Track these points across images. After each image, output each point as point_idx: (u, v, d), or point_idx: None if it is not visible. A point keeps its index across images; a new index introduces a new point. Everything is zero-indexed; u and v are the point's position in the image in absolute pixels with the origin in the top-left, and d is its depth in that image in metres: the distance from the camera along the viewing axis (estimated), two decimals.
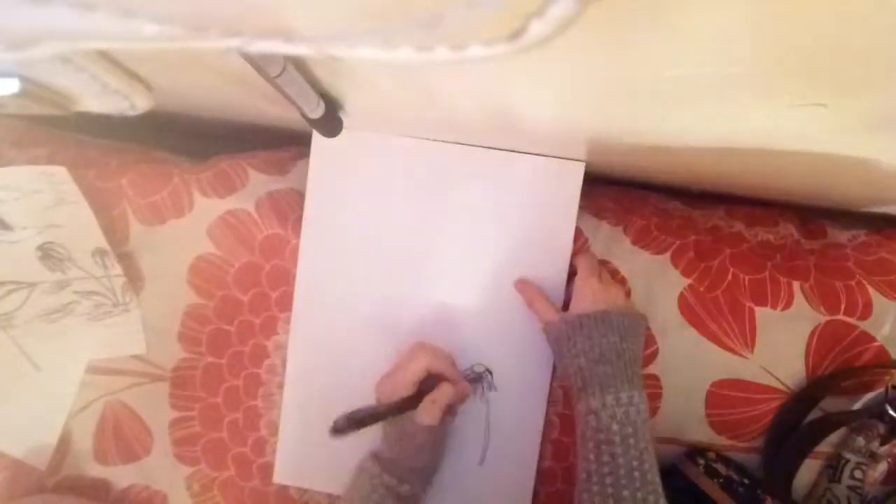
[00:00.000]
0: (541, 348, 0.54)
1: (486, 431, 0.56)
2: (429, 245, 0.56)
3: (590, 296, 0.50)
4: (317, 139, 0.55)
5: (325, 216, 0.56)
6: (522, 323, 0.55)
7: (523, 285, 0.54)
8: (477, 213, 0.55)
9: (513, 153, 0.54)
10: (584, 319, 0.48)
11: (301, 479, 0.58)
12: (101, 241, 0.54)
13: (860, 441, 0.51)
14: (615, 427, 0.44)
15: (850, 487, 0.51)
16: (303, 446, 0.58)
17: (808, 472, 0.53)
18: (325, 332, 0.57)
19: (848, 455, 0.52)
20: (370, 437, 0.56)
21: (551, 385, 0.55)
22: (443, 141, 0.55)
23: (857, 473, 0.51)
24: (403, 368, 0.50)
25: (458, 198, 0.55)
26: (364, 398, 0.56)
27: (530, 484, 0.56)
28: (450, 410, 0.52)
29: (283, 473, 0.58)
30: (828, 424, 0.52)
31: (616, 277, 0.55)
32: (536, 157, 0.54)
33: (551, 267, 0.55)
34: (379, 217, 0.56)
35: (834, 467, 0.52)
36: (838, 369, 0.52)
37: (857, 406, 0.52)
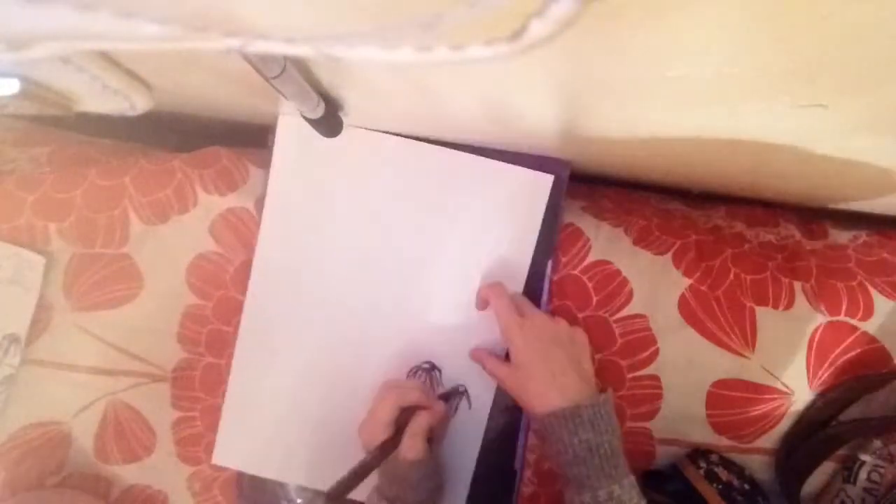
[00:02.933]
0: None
1: None
2: (390, 243, 0.56)
3: (541, 387, 0.46)
4: (282, 131, 0.55)
5: (286, 207, 0.56)
6: (472, 327, 0.55)
7: (478, 354, 0.54)
8: (444, 216, 0.55)
9: (489, 161, 0.54)
10: (552, 420, 0.45)
11: (239, 461, 0.58)
12: (22, 330, 0.54)
13: (877, 443, 0.51)
14: None
15: (867, 489, 0.51)
16: (244, 429, 0.58)
17: (819, 472, 0.53)
18: (277, 323, 0.57)
19: (864, 457, 0.51)
20: (313, 421, 0.57)
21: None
22: (428, 139, 0.54)
23: (874, 476, 0.50)
24: (375, 412, 0.50)
25: (426, 199, 0.55)
26: (311, 392, 0.57)
27: (468, 476, 0.57)
28: (434, 437, 0.52)
29: (222, 455, 0.58)
30: (841, 439, 0.51)
31: (617, 278, 0.55)
32: (511, 166, 0.54)
33: (511, 273, 0.55)
34: (343, 212, 0.56)
35: (849, 468, 0.52)
36: (849, 379, 0.52)
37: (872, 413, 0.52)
